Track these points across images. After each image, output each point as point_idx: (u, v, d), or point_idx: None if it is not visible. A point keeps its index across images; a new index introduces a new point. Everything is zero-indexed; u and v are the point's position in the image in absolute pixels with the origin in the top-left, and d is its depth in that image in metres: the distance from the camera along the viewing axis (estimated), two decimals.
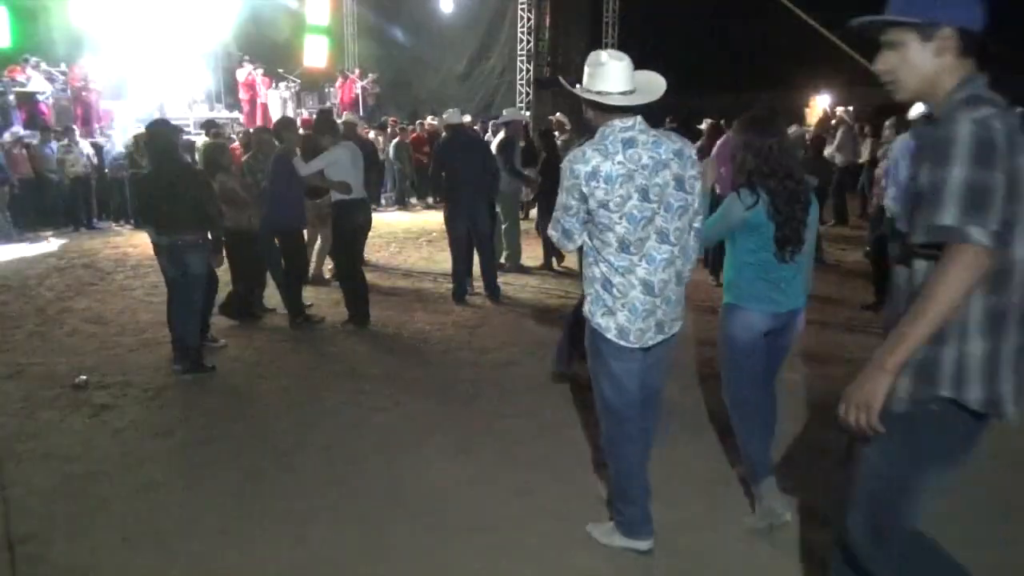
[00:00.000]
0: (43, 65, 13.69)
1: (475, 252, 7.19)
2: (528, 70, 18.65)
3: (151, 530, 3.19)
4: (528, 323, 6.41)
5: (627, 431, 2.92)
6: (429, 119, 15.46)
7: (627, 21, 20.63)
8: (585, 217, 2.75)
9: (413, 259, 9.43)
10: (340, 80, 17.61)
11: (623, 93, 2.66)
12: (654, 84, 2.77)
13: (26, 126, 12.32)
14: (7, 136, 11.39)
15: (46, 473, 3.68)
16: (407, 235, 11.27)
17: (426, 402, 4.63)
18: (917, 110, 5.13)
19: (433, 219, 11.67)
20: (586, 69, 2.74)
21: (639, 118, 2.72)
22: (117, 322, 6.50)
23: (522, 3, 18.52)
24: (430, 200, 13.88)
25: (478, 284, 7.27)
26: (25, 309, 7.00)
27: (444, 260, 7.95)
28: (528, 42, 18.59)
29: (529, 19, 18.55)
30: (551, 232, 2.94)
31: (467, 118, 7.93)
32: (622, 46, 20.58)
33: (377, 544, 3.08)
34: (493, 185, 7.18)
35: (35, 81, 13.41)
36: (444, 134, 8.48)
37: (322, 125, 6.44)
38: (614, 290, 2.75)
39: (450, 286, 7.15)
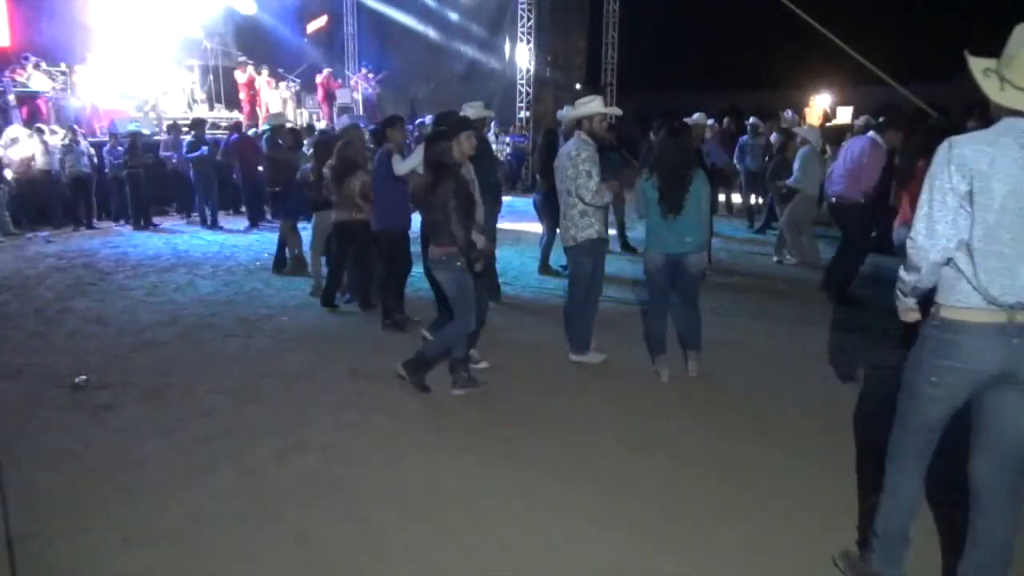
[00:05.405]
0: (43, 65, 13.67)
1: None
2: (528, 70, 18.62)
3: (151, 530, 3.19)
4: (528, 323, 6.42)
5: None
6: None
7: (627, 21, 20.64)
8: None
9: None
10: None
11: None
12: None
13: (26, 126, 12.29)
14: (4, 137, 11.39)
15: (46, 473, 3.68)
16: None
17: (426, 402, 4.64)
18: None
19: None
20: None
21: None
22: (117, 322, 6.50)
23: (522, 3, 18.50)
24: None
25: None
26: (25, 309, 6.99)
27: None
28: (528, 42, 18.56)
29: (529, 19, 18.52)
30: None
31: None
32: (622, 46, 20.60)
33: (377, 544, 3.09)
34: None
35: (35, 80, 13.40)
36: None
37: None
38: None
39: None
